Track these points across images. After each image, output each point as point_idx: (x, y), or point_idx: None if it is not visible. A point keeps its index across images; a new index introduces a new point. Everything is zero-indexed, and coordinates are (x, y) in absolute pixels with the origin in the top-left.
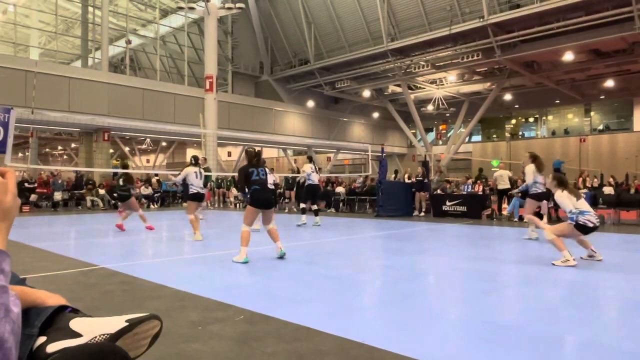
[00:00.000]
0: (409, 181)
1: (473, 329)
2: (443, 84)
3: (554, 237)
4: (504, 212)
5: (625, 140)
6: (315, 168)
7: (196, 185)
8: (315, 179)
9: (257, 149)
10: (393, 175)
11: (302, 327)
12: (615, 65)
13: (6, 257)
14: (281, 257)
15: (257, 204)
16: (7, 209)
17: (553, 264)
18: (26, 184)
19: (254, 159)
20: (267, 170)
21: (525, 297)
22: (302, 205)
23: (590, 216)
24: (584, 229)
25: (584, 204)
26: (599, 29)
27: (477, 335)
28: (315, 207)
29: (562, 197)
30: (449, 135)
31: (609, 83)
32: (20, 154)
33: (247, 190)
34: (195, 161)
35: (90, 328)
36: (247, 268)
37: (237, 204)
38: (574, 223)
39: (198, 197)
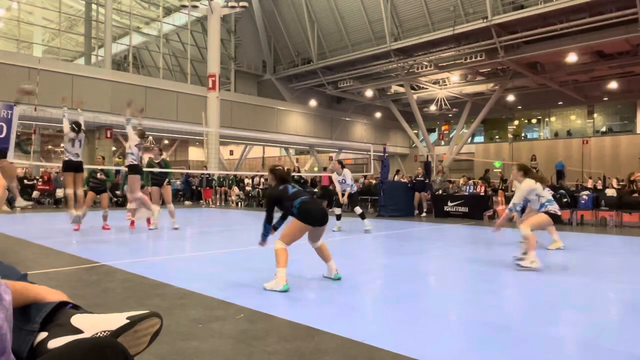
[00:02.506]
0: (406, 180)
1: (473, 329)
2: (446, 85)
3: (531, 235)
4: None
5: (628, 143)
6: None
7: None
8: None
9: (285, 168)
10: (395, 175)
11: (302, 325)
12: (618, 67)
13: None
14: (337, 279)
15: (310, 219)
16: None
17: (519, 265)
18: (25, 181)
19: (284, 175)
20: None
21: (525, 298)
22: (360, 210)
23: (555, 204)
24: (555, 218)
25: (548, 193)
26: (602, 30)
27: (477, 335)
28: (339, 210)
29: (531, 185)
30: (451, 135)
31: (613, 85)
32: None
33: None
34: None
35: (92, 324)
36: (248, 267)
37: (239, 202)
38: (546, 212)
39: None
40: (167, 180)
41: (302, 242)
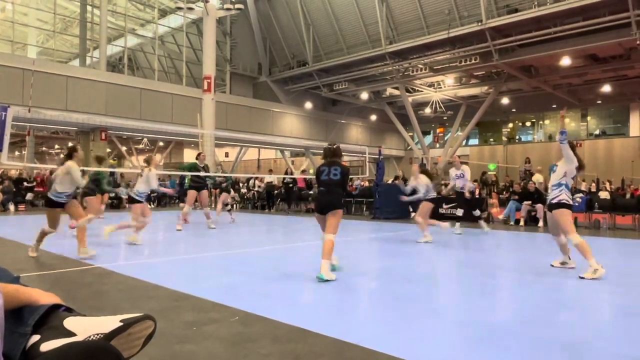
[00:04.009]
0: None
1: (468, 331)
2: (441, 87)
3: (421, 222)
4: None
5: (621, 146)
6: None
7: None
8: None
9: (335, 145)
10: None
11: (297, 328)
12: (612, 70)
13: None
14: (320, 279)
15: (315, 207)
16: None
17: (417, 241)
18: (25, 183)
19: (328, 156)
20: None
21: (521, 300)
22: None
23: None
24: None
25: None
26: (596, 34)
27: (473, 337)
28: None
29: (422, 179)
30: (446, 138)
31: (606, 88)
32: (16, 153)
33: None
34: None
35: (85, 327)
36: (242, 269)
37: (234, 205)
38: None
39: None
40: (210, 183)
41: (299, 245)
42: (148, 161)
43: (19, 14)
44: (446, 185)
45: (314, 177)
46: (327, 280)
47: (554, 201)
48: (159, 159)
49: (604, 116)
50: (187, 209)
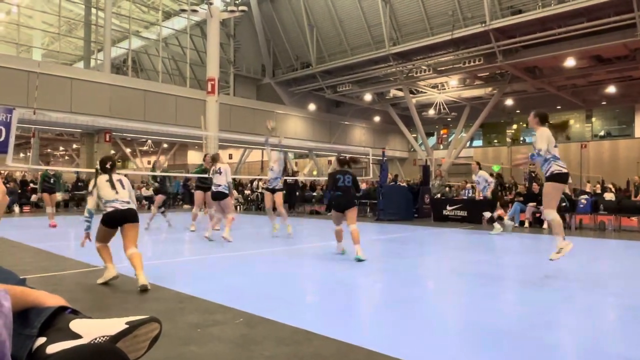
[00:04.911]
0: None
1: (472, 333)
2: (444, 89)
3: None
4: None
5: (626, 147)
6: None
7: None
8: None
9: (348, 156)
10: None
11: (301, 330)
12: (616, 71)
13: None
14: (358, 260)
15: (335, 207)
16: None
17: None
18: (32, 184)
19: (344, 165)
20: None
21: (524, 302)
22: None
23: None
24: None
25: None
26: (600, 35)
27: (476, 340)
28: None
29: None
30: (450, 139)
31: (611, 89)
32: (21, 154)
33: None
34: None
35: (90, 329)
36: (247, 271)
37: (238, 207)
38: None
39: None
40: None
41: (303, 247)
42: (215, 158)
43: (24, 17)
44: (450, 186)
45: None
46: (363, 260)
47: (547, 174)
48: (163, 160)
49: (609, 117)
50: (195, 210)
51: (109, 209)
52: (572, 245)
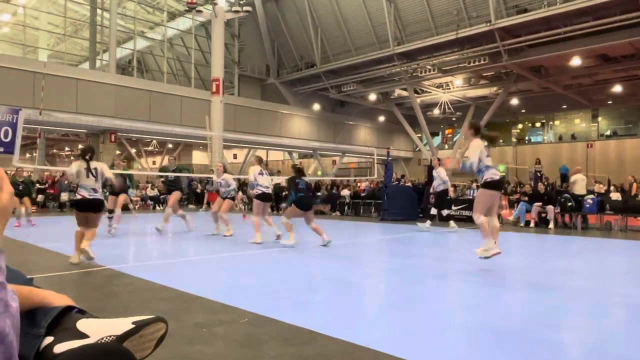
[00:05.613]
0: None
1: (478, 334)
2: (449, 88)
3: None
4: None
5: (632, 146)
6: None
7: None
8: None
9: (302, 166)
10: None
11: (306, 330)
12: (623, 70)
13: (2, 254)
14: (329, 243)
15: (302, 207)
16: (3, 206)
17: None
18: (39, 185)
19: (299, 173)
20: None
21: (530, 303)
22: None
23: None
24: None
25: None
26: (606, 34)
27: (482, 340)
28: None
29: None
30: (455, 139)
31: (617, 88)
32: (27, 155)
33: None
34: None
35: (97, 329)
36: (251, 270)
37: (244, 207)
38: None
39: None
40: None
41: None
42: (261, 160)
43: (30, 18)
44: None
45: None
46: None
47: (481, 182)
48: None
49: (615, 117)
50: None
51: (78, 197)
52: (499, 252)
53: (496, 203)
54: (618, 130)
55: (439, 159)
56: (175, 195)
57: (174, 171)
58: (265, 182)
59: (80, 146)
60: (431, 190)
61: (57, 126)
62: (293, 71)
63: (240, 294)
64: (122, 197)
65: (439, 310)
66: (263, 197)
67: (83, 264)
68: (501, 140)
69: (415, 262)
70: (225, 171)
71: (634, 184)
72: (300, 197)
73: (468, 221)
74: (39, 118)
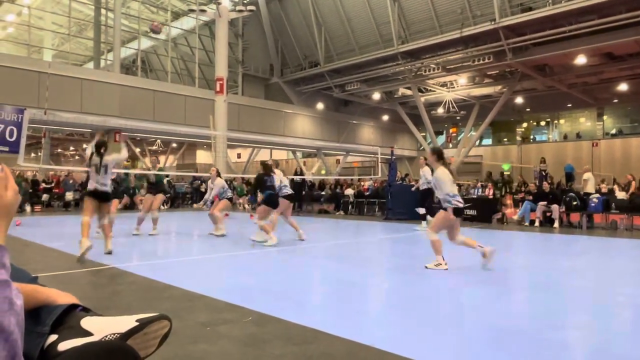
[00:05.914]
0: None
1: (483, 333)
2: (454, 87)
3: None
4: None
5: (638, 145)
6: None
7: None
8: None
9: (271, 162)
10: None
11: (310, 329)
12: (628, 68)
13: (5, 252)
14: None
15: (274, 205)
16: (8, 204)
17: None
18: (44, 184)
19: (268, 169)
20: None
21: (535, 302)
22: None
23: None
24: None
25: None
26: (612, 32)
27: (487, 340)
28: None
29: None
30: (459, 138)
31: (622, 87)
32: (32, 154)
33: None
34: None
35: (101, 327)
36: (255, 270)
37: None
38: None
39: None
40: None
41: (312, 246)
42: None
43: (35, 18)
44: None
45: (267, 180)
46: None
47: (449, 206)
48: (172, 160)
49: (621, 115)
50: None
51: (90, 187)
52: (446, 268)
53: (456, 225)
54: (624, 128)
55: (425, 158)
56: (160, 198)
57: (159, 170)
58: (286, 183)
59: (96, 138)
60: (413, 189)
61: (61, 126)
62: (297, 70)
63: (244, 293)
64: (159, 197)
65: (443, 309)
66: (290, 197)
67: (87, 263)
68: (506, 139)
69: (419, 261)
70: (218, 175)
71: (633, 182)
72: (269, 194)
73: (473, 220)
74: (44, 118)
